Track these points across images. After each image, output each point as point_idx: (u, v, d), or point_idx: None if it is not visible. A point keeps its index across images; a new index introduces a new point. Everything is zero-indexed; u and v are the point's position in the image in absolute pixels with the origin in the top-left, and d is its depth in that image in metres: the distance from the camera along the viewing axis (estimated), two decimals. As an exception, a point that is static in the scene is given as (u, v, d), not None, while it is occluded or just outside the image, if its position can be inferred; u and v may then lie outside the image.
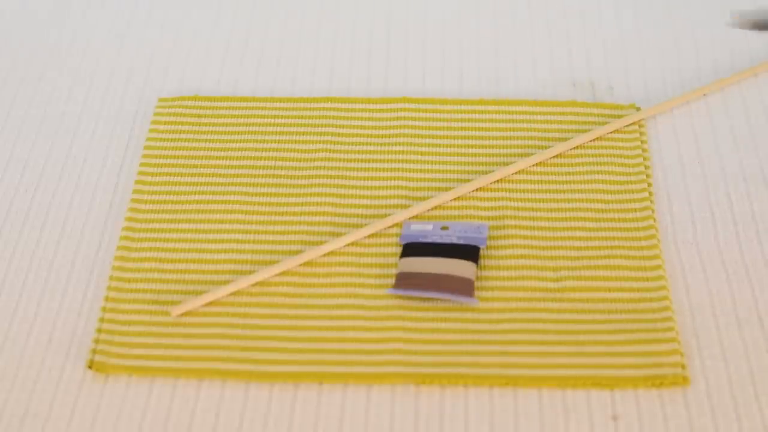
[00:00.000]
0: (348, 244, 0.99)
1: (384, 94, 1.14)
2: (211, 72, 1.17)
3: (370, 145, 1.08)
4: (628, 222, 1.00)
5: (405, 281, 0.96)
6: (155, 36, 1.21)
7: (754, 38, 1.19)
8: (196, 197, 1.03)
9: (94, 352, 0.92)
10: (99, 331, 0.93)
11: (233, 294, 0.95)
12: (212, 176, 1.05)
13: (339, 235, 1.00)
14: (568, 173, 1.05)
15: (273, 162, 1.06)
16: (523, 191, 1.03)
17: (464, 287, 0.95)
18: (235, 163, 1.06)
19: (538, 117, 1.10)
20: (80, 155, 1.08)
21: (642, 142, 1.08)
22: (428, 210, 1.02)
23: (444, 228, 1.00)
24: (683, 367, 0.90)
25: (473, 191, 1.03)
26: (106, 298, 0.95)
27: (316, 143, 1.08)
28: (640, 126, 1.09)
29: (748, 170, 1.06)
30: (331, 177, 1.05)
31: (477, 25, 1.22)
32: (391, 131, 1.09)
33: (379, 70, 1.17)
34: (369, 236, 1.00)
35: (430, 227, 1.00)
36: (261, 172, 1.05)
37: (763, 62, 1.15)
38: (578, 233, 1.00)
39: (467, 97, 1.13)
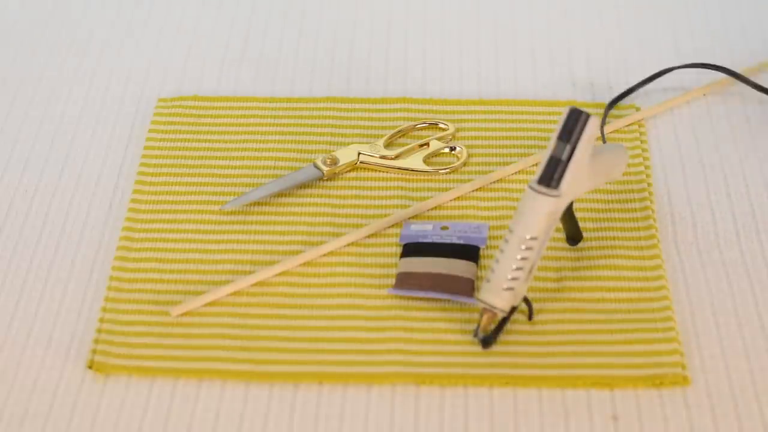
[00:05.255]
0: (348, 244, 0.99)
1: (384, 94, 1.14)
2: (211, 72, 1.17)
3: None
4: (628, 222, 1.00)
5: (405, 281, 0.95)
6: (155, 36, 1.21)
7: (753, 38, 1.19)
8: (196, 197, 1.03)
9: (94, 352, 0.92)
10: (99, 331, 0.93)
11: (233, 294, 0.95)
12: (212, 176, 1.05)
13: (339, 235, 1.00)
14: (568, 173, 1.05)
15: (273, 162, 1.06)
16: (523, 191, 1.03)
17: (464, 287, 0.95)
18: (235, 163, 1.06)
19: (538, 117, 1.10)
20: (80, 155, 1.08)
21: (642, 142, 1.08)
22: (428, 210, 1.02)
23: (444, 228, 1.00)
24: (683, 366, 0.90)
25: (473, 191, 1.03)
26: (106, 298, 0.95)
27: (316, 143, 1.08)
28: (640, 126, 1.09)
29: (748, 170, 1.05)
30: (331, 177, 1.05)
31: (477, 25, 1.22)
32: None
33: (379, 70, 1.17)
34: (369, 236, 1.00)
35: (430, 227, 1.00)
36: (261, 172, 1.05)
37: (763, 62, 1.15)
38: (578, 233, 1.00)
39: (467, 97, 1.13)
